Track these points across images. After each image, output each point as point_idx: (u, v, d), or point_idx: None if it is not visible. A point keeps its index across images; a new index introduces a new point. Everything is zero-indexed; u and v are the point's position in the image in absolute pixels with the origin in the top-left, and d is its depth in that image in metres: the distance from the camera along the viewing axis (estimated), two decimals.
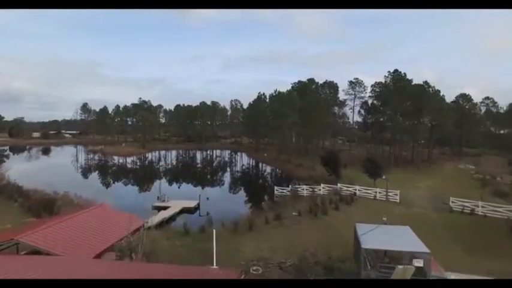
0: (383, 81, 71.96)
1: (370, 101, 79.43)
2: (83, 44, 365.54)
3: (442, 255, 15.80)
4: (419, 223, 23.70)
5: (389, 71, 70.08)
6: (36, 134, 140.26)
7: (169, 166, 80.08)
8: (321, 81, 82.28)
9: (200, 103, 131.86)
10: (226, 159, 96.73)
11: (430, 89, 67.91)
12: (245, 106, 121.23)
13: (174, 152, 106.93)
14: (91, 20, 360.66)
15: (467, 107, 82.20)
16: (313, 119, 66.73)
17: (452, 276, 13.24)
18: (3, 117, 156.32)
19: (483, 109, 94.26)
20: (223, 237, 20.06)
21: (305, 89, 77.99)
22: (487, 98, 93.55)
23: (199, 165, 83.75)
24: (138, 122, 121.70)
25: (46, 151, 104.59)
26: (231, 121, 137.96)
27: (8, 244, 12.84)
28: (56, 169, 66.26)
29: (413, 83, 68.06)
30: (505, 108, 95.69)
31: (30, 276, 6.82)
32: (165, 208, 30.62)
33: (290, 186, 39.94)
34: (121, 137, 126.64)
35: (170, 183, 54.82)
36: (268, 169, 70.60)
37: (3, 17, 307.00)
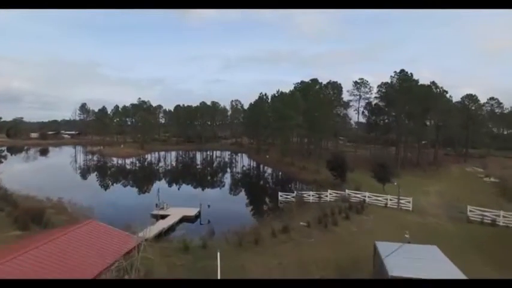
0: (389, 81, 70.04)
1: (374, 102, 77.67)
2: (83, 44, 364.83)
3: (471, 273, 13.58)
4: (436, 236, 22.07)
5: (395, 71, 68.04)
6: (34, 135, 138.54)
7: (169, 167, 78.55)
8: (323, 82, 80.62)
9: (200, 103, 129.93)
10: (227, 159, 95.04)
11: (438, 90, 66.15)
12: (245, 106, 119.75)
13: (173, 153, 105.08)
14: (91, 20, 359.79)
15: (473, 108, 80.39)
16: (318, 121, 64.76)
17: None
18: (1, 118, 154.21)
19: (486, 110, 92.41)
20: (227, 252, 18.31)
21: (308, 90, 75.94)
22: (492, 98, 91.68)
23: (199, 166, 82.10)
24: (137, 123, 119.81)
25: (44, 152, 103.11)
26: (231, 121, 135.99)
27: None
28: (53, 170, 65.02)
29: (419, 84, 66.27)
30: (510, 108, 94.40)
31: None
32: (164, 217, 28.66)
33: (295, 192, 38.15)
34: (120, 138, 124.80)
35: (170, 184, 53.77)
36: (269, 170, 68.90)
37: (3, 17, 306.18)
